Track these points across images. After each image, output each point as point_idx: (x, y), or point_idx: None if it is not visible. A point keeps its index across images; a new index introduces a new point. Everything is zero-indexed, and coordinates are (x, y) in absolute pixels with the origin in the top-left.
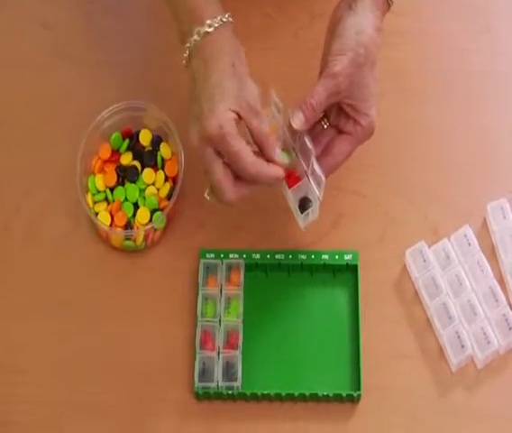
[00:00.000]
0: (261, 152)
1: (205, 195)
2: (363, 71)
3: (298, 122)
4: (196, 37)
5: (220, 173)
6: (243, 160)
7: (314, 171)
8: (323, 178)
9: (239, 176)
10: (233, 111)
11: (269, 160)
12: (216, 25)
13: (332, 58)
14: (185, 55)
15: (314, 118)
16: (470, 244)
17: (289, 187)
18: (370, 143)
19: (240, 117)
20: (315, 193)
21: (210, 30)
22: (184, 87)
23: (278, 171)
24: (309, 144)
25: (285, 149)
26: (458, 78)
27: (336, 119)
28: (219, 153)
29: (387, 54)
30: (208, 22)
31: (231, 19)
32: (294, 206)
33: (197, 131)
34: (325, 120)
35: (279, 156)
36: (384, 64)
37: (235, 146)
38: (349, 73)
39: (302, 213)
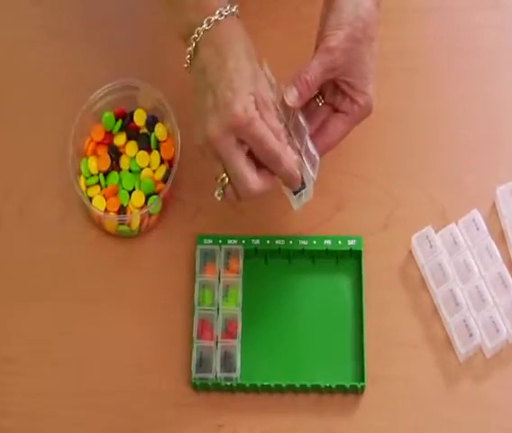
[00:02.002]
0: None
1: (216, 195)
2: (361, 47)
3: (292, 98)
4: (205, 26)
5: (243, 163)
6: (270, 141)
7: (308, 150)
8: (317, 157)
9: (260, 166)
10: (252, 95)
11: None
12: (226, 14)
13: (328, 32)
14: (189, 49)
15: (308, 95)
16: (478, 229)
17: None
18: (374, 124)
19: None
20: (309, 173)
21: (221, 18)
22: (180, 64)
23: (295, 168)
24: (303, 122)
25: None
26: (466, 55)
27: (332, 97)
28: (241, 143)
29: (391, 32)
30: (218, 10)
31: (238, 11)
32: (287, 187)
33: (217, 122)
34: (320, 97)
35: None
36: (388, 42)
37: (261, 128)
38: (346, 48)
39: (295, 194)
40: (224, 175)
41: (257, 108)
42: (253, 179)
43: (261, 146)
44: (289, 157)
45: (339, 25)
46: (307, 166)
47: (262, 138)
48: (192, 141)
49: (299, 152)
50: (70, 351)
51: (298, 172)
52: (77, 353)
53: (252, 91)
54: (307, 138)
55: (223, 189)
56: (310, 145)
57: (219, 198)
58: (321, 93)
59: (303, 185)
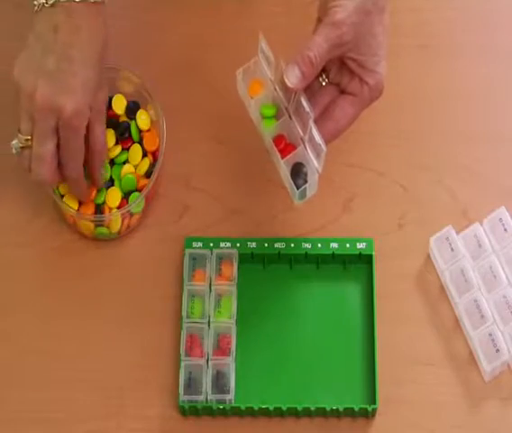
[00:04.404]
0: (89, 161)
1: (13, 146)
2: (371, 20)
3: (294, 79)
4: None
5: (49, 151)
6: (79, 160)
7: (312, 139)
8: (323, 146)
9: (60, 164)
10: (90, 105)
11: (91, 171)
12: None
13: (334, 3)
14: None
15: (312, 75)
16: (506, 230)
17: (282, 157)
18: (387, 110)
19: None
20: (314, 164)
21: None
22: (164, 45)
23: (87, 196)
24: (306, 106)
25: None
26: (492, 30)
27: (338, 76)
28: (57, 130)
29: (409, 5)
30: None
31: None
32: (288, 179)
33: (50, 94)
34: (324, 76)
35: (101, 176)
36: (406, 16)
37: (80, 144)
38: (354, 22)
39: (298, 188)
40: (30, 137)
41: (90, 119)
42: (49, 171)
43: (71, 158)
44: (85, 187)
45: None
46: (311, 156)
47: (77, 152)
48: (180, 131)
49: (302, 140)
50: (38, 372)
51: (87, 198)
52: (45, 371)
53: (91, 104)
54: (312, 124)
55: (22, 148)
56: (315, 133)
57: (14, 152)
58: (325, 71)
59: (306, 178)
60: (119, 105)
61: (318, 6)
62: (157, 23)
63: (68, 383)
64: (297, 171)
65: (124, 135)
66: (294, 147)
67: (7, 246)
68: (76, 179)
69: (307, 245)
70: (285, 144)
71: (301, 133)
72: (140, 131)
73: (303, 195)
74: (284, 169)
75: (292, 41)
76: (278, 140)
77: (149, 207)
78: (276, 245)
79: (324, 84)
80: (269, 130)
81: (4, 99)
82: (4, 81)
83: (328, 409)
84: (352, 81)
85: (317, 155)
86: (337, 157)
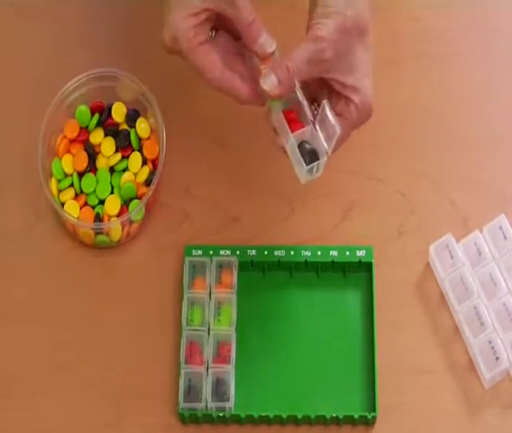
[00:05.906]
0: (244, 41)
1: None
2: (351, 38)
3: (270, 84)
4: None
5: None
6: (207, 76)
7: (324, 119)
8: (337, 128)
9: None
10: (194, 15)
11: (252, 49)
12: None
13: (316, 20)
14: None
15: (288, 83)
16: (506, 238)
17: (292, 131)
18: (387, 119)
19: (212, 11)
20: (323, 146)
21: None
22: (164, 53)
23: (248, 94)
24: (301, 98)
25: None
26: (492, 39)
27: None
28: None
29: (406, 14)
30: None
31: None
32: (296, 154)
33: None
34: (316, 105)
35: (266, 42)
36: (404, 26)
37: (195, 61)
38: (335, 40)
39: (308, 164)
40: None
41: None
42: (225, 81)
43: (200, 77)
44: (236, 88)
45: (328, 14)
46: (321, 137)
47: (198, 70)
48: (180, 139)
49: (312, 122)
50: (37, 380)
51: (251, 96)
52: (45, 382)
53: (193, 9)
54: (326, 105)
55: None
56: (329, 113)
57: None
58: (316, 101)
59: (311, 157)
60: (119, 113)
61: (307, 23)
62: (158, 30)
63: (67, 392)
64: (302, 151)
65: (124, 143)
66: (302, 125)
67: (7, 254)
68: (225, 92)
69: (307, 253)
70: (293, 119)
71: (310, 117)
72: (139, 139)
73: (310, 174)
74: (293, 141)
75: (290, 46)
76: (287, 113)
77: (149, 214)
78: (276, 253)
79: (315, 112)
80: (277, 104)
81: (5, 104)
82: (4, 86)
83: (328, 416)
84: (339, 102)
85: (328, 137)
86: (337, 165)
